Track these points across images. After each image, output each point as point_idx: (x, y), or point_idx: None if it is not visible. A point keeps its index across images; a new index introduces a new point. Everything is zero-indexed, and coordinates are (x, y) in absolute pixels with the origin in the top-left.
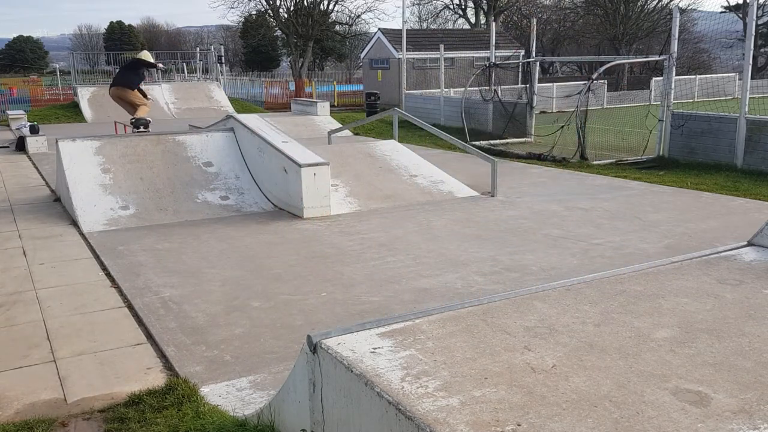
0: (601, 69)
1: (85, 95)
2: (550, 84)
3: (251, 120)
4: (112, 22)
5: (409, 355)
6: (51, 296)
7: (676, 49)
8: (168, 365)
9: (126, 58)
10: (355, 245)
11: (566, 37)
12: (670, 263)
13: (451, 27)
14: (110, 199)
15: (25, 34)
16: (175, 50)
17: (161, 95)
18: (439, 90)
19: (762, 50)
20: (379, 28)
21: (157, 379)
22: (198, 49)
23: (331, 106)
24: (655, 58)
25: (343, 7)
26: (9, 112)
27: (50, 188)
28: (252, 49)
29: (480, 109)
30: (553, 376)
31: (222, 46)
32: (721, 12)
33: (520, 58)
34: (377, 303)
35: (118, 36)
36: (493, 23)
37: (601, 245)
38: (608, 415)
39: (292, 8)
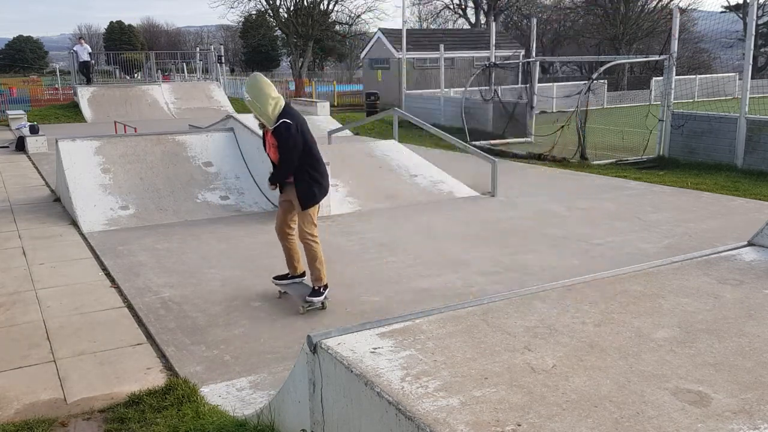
0: (601, 69)
1: (85, 95)
2: (550, 84)
3: (251, 120)
4: (112, 22)
5: (409, 355)
6: (51, 296)
7: (676, 49)
8: (168, 365)
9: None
10: (355, 245)
11: (566, 37)
12: (670, 263)
13: (451, 27)
14: (110, 199)
15: (25, 34)
16: (175, 50)
17: (161, 95)
18: (439, 90)
19: (762, 50)
20: (379, 28)
21: (157, 379)
22: (198, 49)
23: (331, 106)
24: (655, 58)
25: (343, 7)
26: (9, 112)
27: (50, 188)
28: (252, 49)
29: (480, 109)
30: (553, 376)
31: (222, 46)
32: (721, 12)
33: (520, 58)
34: (377, 303)
35: (118, 36)
36: (493, 23)
37: (602, 245)
38: (608, 415)
39: (292, 8)
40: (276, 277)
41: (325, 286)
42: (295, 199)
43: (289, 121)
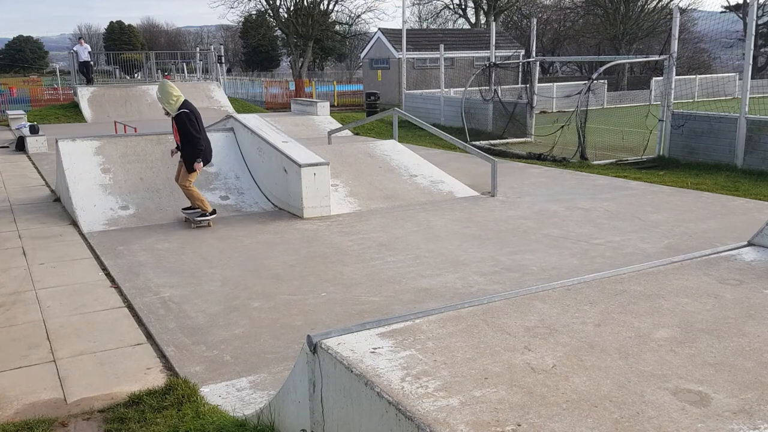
0: (601, 69)
1: (85, 95)
2: (550, 84)
3: (251, 120)
4: (112, 22)
5: (409, 355)
6: (51, 296)
7: (676, 49)
8: (168, 365)
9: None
10: (355, 245)
11: (566, 37)
12: (670, 263)
13: (451, 27)
14: (110, 199)
15: (25, 34)
16: (175, 50)
17: None
18: (439, 90)
19: (762, 50)
20: (379, 28)
21: (157, 379)
22: (198, 49)
23: (331, 106)
24: (655, 58)
25: (343, 7)
26: (9, 112)
27: (50, 188)
28: (252, 49)
29: (480, 109)
30: (553, 376)
31: (222, 46)
32: (721, 12)
33: (520, 58)
34: (377, 303)
35: (118, 36)
36: (493, 23)
37: (602, 245)
38: (608, 415)
39: (292, 8)
40: (183, 209)
41: (212, 213)
42: (183, 164)
43: (186, 110)
